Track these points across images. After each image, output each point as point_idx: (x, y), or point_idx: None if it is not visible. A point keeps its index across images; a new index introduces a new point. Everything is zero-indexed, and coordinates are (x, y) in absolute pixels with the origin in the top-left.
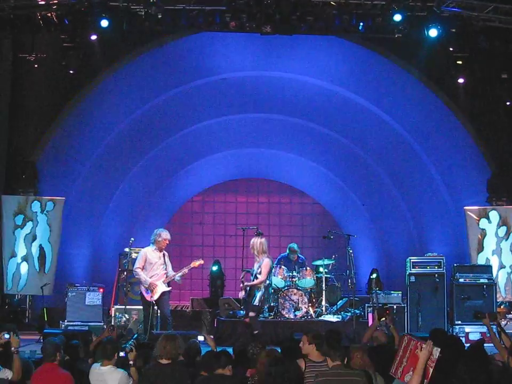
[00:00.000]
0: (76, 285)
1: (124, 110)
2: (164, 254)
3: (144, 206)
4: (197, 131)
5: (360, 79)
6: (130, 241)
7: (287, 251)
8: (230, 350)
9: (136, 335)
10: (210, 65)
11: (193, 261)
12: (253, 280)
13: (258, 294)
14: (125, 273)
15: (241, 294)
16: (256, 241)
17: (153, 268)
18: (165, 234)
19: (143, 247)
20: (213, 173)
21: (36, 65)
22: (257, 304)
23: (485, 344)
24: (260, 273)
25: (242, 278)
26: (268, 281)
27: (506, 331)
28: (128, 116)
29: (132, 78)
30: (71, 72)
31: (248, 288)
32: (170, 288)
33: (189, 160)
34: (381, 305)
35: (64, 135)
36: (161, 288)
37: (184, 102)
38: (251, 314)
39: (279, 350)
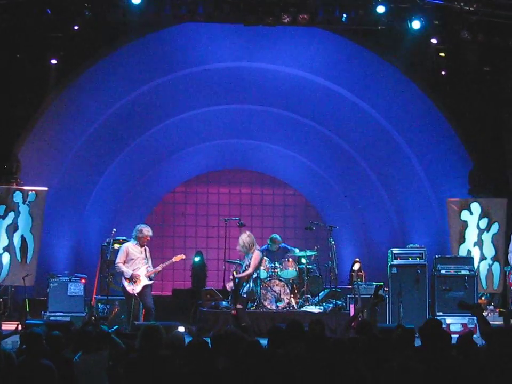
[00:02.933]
0: (58, 275)
1: (106, 100)
2: (145, 249)
3: (127, 197)
4: (179, 122)
5: (343, 71)
6: (113, 232)
7: (269, 242)
8: None
9: (117, 326)
10: (193, 56)
11: (175, 256)
12: (243, 272)
13: (247, 286)
14: (107, 263)
15: (230, 285)
16: (245, 239)
17: (135, 262)
18: (146, 231)
19: (125, 238)
20: (196, 163)
21: (18, 55)
22: (245, 296)
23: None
24: (249, 265)
25: (234, 270)
26: (256, 274)
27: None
28: (111, 107)
29: (114, 68)
30: (54, 62)
31: (237, 280)
32: (152, 281)
33: (171, 151)
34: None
35: (46, 126)
36: (143, 281)
37: (166, 92)
38: (239, 306)
39: (261, 340)
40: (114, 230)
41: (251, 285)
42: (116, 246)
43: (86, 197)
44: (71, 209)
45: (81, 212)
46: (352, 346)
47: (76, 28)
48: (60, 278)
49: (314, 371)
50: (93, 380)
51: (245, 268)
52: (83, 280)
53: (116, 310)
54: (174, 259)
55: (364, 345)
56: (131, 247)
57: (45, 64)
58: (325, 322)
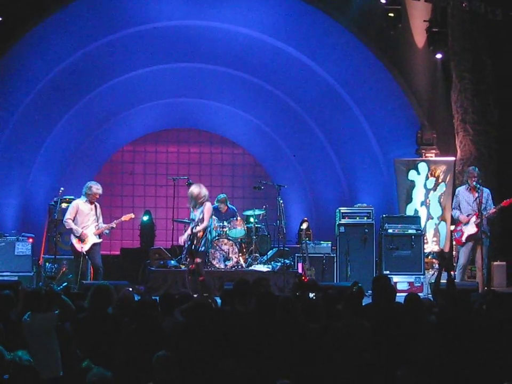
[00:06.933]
0: (5, 234)
1: (53, 58)
2: (95, 206)
3: (74, 156)
4: (128, 80)
5: (293, 30)
6: (60, 191)
7: (216, 202)
8: None
9: (66, 284)
10: (141, 14)
11: (124, 215)
12: (196, 227)
13: (203, 240)
14: (55, 223)
15: (183, 238)
16: (199, 190)
17: (84, 219)
18: (96, 188)
19: (73, 197)
20: (144, 122)
21: None
22: (203, 249)
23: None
24: (203, 218)
25: (192, 227)
26: (209, 227)
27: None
28: (58, 65)
29: (62, 26)
30: None
31: (191, 235)
32: (101, 240)
33: (119, 109)
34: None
35: None
36: (92, 239)
37: (115, 51)
38: (197, 260)
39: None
40: (62, 189)
41: (207, 237)
42: (64, 205)
43: (33, 156)
44: (18, 168)
45: (28, 171)
46: (300, 305)
47: None
48: (7, 237)
49: (262, 328)
50: (43, 339)
51: (198, 222)
52: (30, 240)
53: (64, 269)
54: (123, 218)
55: (312, 303)
56: (81, 203)
57: None
58: (273, 280)
